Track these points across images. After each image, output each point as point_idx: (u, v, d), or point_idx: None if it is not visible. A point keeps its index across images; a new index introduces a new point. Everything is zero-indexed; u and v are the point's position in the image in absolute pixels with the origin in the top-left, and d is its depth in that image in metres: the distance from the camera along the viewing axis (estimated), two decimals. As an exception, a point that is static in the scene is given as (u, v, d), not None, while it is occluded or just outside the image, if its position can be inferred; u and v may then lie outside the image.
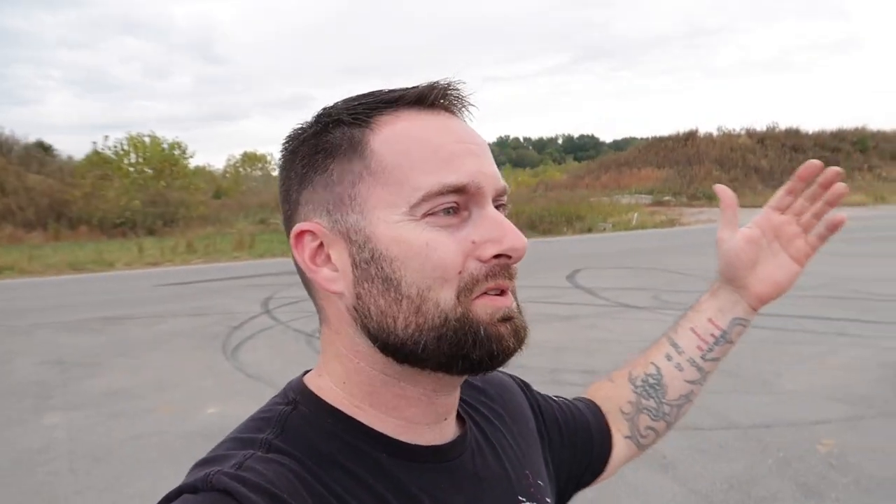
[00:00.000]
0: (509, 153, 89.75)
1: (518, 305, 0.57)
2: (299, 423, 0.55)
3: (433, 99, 0.56)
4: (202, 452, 0.54)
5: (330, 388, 0.58)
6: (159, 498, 0.48)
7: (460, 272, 0.52)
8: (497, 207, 0.56)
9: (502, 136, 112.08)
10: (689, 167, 35.80)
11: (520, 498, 0.63)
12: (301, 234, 0.56)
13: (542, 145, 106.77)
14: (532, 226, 19.10)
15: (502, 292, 0.54)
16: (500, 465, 0.64)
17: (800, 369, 5.30)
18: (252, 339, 6.85)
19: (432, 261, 0.52)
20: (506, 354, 0.54)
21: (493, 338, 0.53)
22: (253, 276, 11.51)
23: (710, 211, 25.18)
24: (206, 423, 4.45)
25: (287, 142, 0.59)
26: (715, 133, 40.95)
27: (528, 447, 0.71)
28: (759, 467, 3.58)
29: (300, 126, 0.58)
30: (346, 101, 0.57)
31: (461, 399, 0.65)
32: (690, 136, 40.78)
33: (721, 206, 0.81)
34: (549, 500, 0.68)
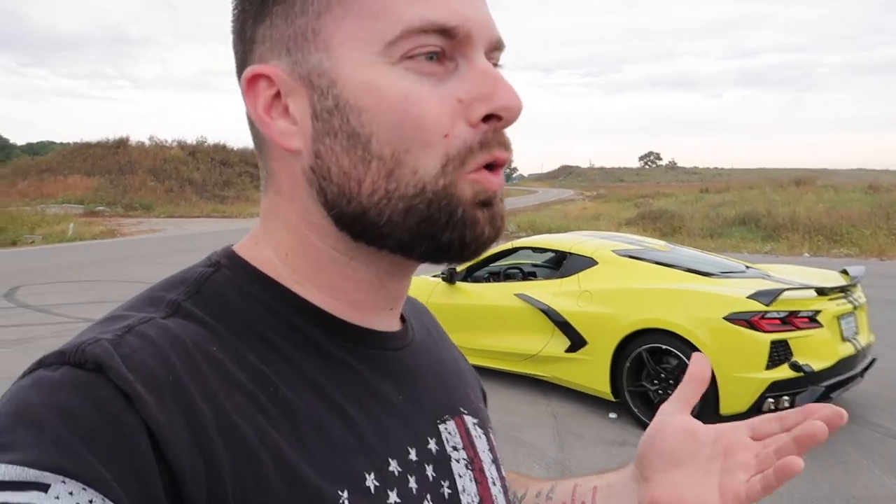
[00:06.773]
0: None
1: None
2: (220, 285, 0.47)
3: None
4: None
5: (269, 259, 0.49)
6: None
7: (447, 135, 0.44)
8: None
9: None
10: (123, 176, 34.93)
11: (461, 408, 0.57)
12: (254, 78, 0.46)
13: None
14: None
15: (496, 168, 0.46)
16: (442, 370, 0.58)
17: None
18: None
19: (412, 117, 0.43)
20: (479, 244, 0.46)
21: (469, 222, 0.45)
22: None
23: (148, 221, 25.35)
24: None
25: None
26: (147, 143, 40.92)
27: (467, 378, 0.64)
28: None
29: None
30: None
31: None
32: (122, 143, 39.64)
33: (686, 377, 0.60)
34: (491, 429, 0.60)
